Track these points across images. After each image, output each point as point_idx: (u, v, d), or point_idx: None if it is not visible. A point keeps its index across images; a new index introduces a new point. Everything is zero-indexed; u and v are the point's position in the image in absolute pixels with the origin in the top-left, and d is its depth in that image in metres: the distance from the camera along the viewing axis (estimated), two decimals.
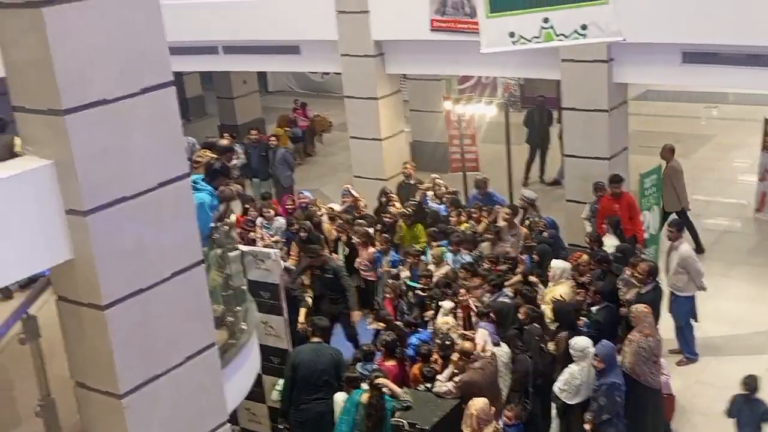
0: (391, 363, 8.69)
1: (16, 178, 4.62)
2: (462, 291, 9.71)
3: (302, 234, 11.40)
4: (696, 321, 10.63)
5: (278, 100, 23.82)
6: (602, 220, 11.43)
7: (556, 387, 8.49)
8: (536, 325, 9.05)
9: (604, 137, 12.58)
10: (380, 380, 7.89)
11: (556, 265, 10.18)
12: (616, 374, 8.19)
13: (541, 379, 8.76)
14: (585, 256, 10.31)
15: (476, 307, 9.35)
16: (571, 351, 8.42)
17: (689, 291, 10.48)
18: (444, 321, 9.05)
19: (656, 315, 9.53)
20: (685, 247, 10.55)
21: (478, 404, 7.57)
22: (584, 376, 8.33)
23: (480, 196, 12.81)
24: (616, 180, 11.70)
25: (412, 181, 13.51)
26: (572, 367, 8.42)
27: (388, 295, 10.39)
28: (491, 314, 9.03)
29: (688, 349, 10.63)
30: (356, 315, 10.48)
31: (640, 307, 8.64)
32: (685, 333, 10.59)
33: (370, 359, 8.78)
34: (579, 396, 8.39)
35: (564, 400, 8.46)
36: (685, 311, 10.49)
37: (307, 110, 20.68)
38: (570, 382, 8.39)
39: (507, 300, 9.59)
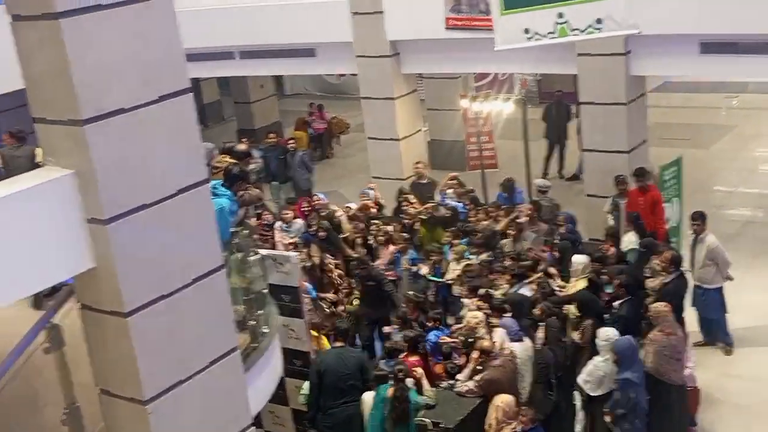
0: (414, 358, 8.70)
1: (38, 188, 4.67)
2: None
3: (321, 234, 11.44)
4: (727, 312, 10.57)
5: (295, 103, 23.88)
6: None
7: (581, 378, 8.50)
8: (555, 317, 9.04)
9: (623, 130, 12.51)
10: (402, 369, 7.93)
11: (578, 260, 10.15)
12: (633, 370, 8.14)
13: (563, 371, 8.74)
14: (613, 249, 10.31)
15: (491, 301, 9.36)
16: (597, 341, 8.42)
17: (718, 282, 10.45)
18: (473, 315, 9.03)
19: (680, 305, 9.48)
20: (712, 237, 10.49)
21: (505, 398, 7.58)
22: (608, 368, 8.29)
23: (506, 195, 12.72)
24: (640, 174, 11.61)
25: (424, 181, 13.46)
26: (596, 359, 8.43)
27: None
28: (506, 306, 9.07)
29: (726, 338, 10.61)
30: (389, 327, 10.37)
31: (660, 306, 8.58)
32: (720, 323, 10.57)
33: (394, 356, 8.77)
34: (602, 388, 8.37)
35: (588, 392, 8.45)
36: (717, 303, 10.45)
37: (324, 113, 20.71)
38: (593, 373, 8.39)
39: (527, 293, 9.62)
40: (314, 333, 9.52)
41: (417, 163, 13.88)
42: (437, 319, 9.68)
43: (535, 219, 11.58)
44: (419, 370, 8.21)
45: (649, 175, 11.72)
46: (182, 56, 5.10)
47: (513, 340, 8.69)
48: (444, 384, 8.51)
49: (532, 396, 8.56)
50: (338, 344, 8.66)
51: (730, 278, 10.50)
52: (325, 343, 9.52)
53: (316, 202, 13.02)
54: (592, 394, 8.45)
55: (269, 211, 12.77)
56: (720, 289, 10.47)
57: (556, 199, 12.66)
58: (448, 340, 9.17)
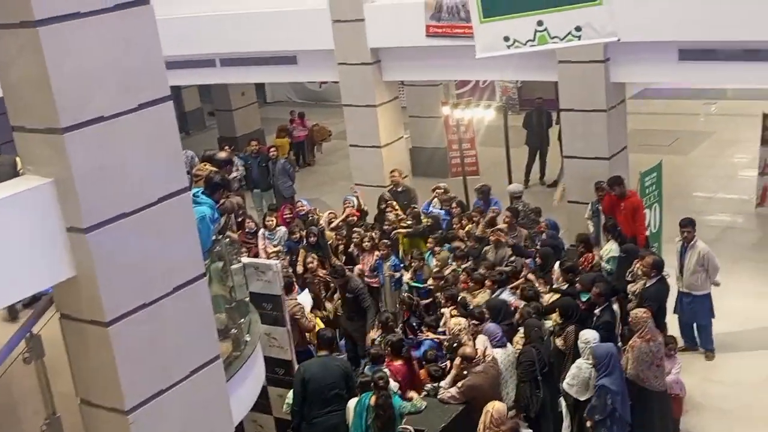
0: (398, 363, 8.71)
1: (17, 197, 4.64)
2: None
3: (311, 239, 11.45)
4: (714, 317, 10.65)
5: (277, 110, 23.86)
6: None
7: (565, 383, 8.50)
8: (534, 316, 9.13)
9: (604, 137, 12.59)
10: (383, 376, 7.93)
11: (559, 267, 10.24)
12: (611, 377, 8.15)
13: (547, 367, 8.77)
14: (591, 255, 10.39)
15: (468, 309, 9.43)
16: (579, 344, 8.47)
17: (707, 289, 10.51)
18: (456, 321, 9.04)
19: (662, 310, 9.53)
20: (702, 243, 10.57)
21: (497, 406, 7.58)
22: (591, 370, 8.32)
23: (482, 203, 12.76)
24: (614, 182, 11.64)
25: (400, 189, 13.42)
26: (580, 361, 8.44)
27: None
28: (485, 312, 9.15)
29: (710, 344, 10.67)
30: (369, 338, 10.34)
31: (640, 312, 8.61)
32: (708, 329, 10.61)
33: (378, 362, 8.78)
34: (589, 391, 8.36)
35: (574, 396, 8.46)
36: (706, 309, 10.51)
37: (304, 120, 20.71)
38: (578, 375, 8.40)
39: (509, 298, 9.71)
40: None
41: (392, 171, 13.81)
42: (432, 326, 9.69)
43: (514, 225, 11.63)
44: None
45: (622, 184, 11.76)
46: (162, 64, 5.09)
47: (496, 345, 8.70)
48: (428, 386, 8.53)
49: (519, 396, 8.60)
50: (322, 353, 8.62)
51: (717, 284, 10.57)
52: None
53: (300, 208, 13.02)
54: (580, 398, 8.44)
55: (251, 219, 12.73)
56: (709, 296, 10.54)
57: (530, 204, 12.71)
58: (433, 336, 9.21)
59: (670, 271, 10.30)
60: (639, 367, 8.39)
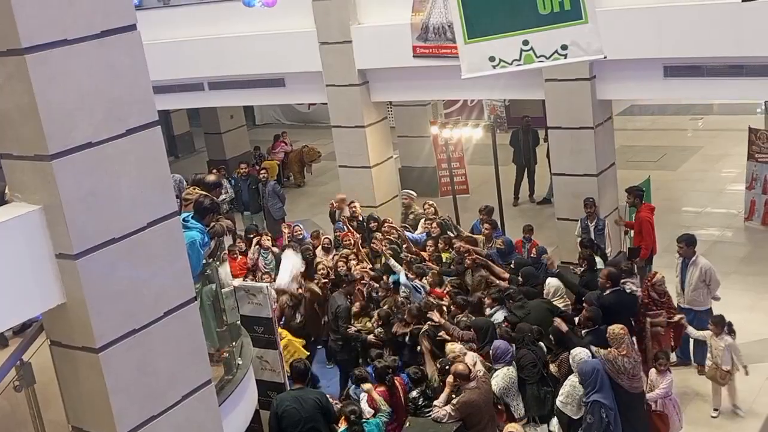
0: (381, 389, 8.72)
1: (5, 225, 4.64)
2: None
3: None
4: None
5: (266, 132, 23.88)
6: None
7: (559, 401, 8.52)
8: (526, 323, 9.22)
9: (591, 154, 12.64)
10: (355, 410, 8.04)
11: (550, 283, 10.30)
12: (602, 392, 8.18)
13: (545, 369, 8.89)
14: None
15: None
16: (570, 362, 8.49)
17: (708, 304, 10.56)
18: (451, 348, 9.03)
19: (621, 321, 9.44)
20: (704, 259, 10.63)
21: (516, 428, 7.63)
22: (583, 395, 8.32)
23: (482, 225, 12.70)
24: (630, 192, 12.06)
25: (360, 218, 13.22)
26: (572, 379, 8.46)
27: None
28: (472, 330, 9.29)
29: (704, 359, 10.52)
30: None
31: (617, 329, 8.59)
32: (701, 345, 10.45)
33: (361, 383, 8.82)
34: (583, 410, 8.38)
35: (569, 414, 8.47)
36: (706, 324, 10.41)
37: (279, 141, 20.75)
38: (572, 394, 8.42)
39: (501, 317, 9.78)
40: None
41: (351, 203, 13.60)
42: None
43: (491, 236, 11.75)
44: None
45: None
46: (149, 89, 5.10)
47: (506, 363, 8.76)
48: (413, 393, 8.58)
49: (530, 398, 8.69)
50: (297, 386, 8.45)
51: (717, 298, 10.62)
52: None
53: (297, 232, 13.01)
54: (574, 417, 8.45)
55: (242, 239, 12.75)
56: (709, 311, 10.54)
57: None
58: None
59: (670, 287, 10.33)
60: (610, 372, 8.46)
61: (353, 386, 8.93)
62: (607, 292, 9.70)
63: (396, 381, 8.90)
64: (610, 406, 8.16)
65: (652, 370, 9.05)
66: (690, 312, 10.54)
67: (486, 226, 12.00)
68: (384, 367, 8.87)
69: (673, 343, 10.20)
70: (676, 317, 9.91)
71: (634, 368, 8.42)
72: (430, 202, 13.20)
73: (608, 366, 8.37)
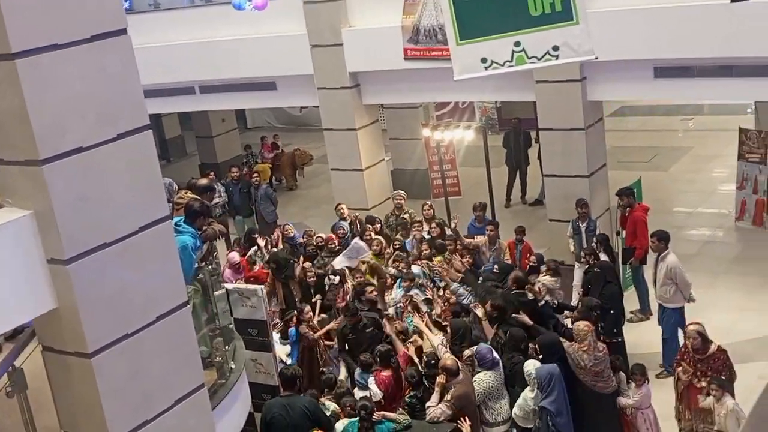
0: (386, 373, 8.81)
1: None
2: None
3: (272, 265, 11.46)
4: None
5: (258, 136, 23.87)
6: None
7: (513, 412, 8.60)
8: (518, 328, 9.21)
9: (583, 155, 12.68)
10: (367, 406, 7.97)
11: (543, 280, 10.52)
12: (550, 398, 8.18)
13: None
14: None
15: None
16: (525, 376, 8.49)
17: (677, 302, 10.49)
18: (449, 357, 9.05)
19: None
20: (672, 257, 10.57)
21: None
22: (537, 401, 8.34)
23: (477, 224, 12.74)
24: (622, 193, 12.03)
25: (347, 222, 13.15)
26: (526, 392, 8.50)
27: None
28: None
29: (668, 363, 10.34)
30: None
31: (581, 325, 8.57)
32: (671, 345, 10.47)
33: (367, 369, 8.92)
34: (529, 421, 8.46)
35: (519, 423, 8.59)
36: (672, 323, 10.49)
37: (266, 144, 20.76)
38: (522, 406, 8.49)
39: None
40: None
41: (338, 204, 13.57)
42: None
43: (495, 238, 11.82)
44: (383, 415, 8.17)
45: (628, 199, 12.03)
46: (140, 93, 5.10)
47: (488, 368, 8.72)
48: (407, 397, 8.60)
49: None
50: (285, 393, 8.35)
51: (692, 300, 10.58)
52: None
53: (287, 231, 13.02)
54: (523, 426, 8.55)
55: (238, 244, 12.82)
56: (679, 310, 10.50)
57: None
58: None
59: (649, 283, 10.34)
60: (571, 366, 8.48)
61: (359, 371, 9.04)
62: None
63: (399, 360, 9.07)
64: (556, 412, 8.15)
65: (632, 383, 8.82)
66: (660, 307, 10.58)
67: (490, 227, 11.93)
68: (387, 350, 8.97)
69: None
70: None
71: (596, 365, 8.40)
72: (429, 203, 13.21)
73: (570, 360, 8.41)
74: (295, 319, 10.40)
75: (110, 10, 4.89)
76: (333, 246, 12.28)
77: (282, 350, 10.24)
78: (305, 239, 12.64)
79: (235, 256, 12.08)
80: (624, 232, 12.25)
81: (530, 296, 9.84)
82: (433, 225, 12.46)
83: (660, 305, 10.63)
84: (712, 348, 8.62)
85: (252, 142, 21.39)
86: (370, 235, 12.24)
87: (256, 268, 12.07)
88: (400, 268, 11.13)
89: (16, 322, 4.95)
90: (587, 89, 12.46)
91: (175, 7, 16.76)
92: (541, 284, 10.45)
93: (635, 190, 12.48)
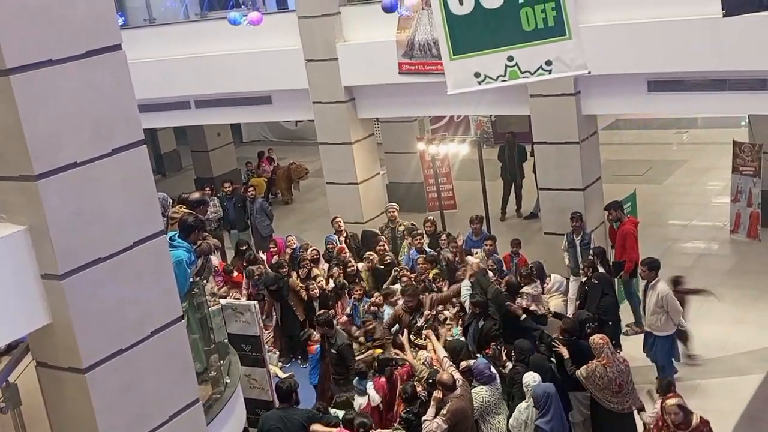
0: (383, 380, 9.00)
1: None
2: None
3: (271, 288, 11.58)
4: (678, 360, 10.59)
5: (253, 150, 23.89)
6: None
7: (510, 423, 8.61)
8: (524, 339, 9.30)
9: (577, 169, 12.71)
10: (365, 422, 8.02)
11: (556, 278, 10.73)
12: (545, 418, 8.19)
13: None
14: None
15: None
16: (524, 387, 8.52)
17: (668, 330, 10.38)
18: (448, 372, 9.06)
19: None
20: (662, 285, 10.44)
21: None
22: (529, 414, 8.35)
23: (474, 237, 12.75)
24: (611, 207, 12.10)
25: (342, 236, 13.21)
26: (520, 404, 8.52)
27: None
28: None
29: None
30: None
31: (597, 338, 8.64)
32: (668, 372, 10.34)
33: (363, 377, 9.12)
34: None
35: None
36: (665, 351, 10.40)
37: (263, 159, 20.77)
38: (517, 418, 8.49)
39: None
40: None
41: (334, 218, 13.64)
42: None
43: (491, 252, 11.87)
44: None
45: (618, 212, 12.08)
46: (135, 108, 5.11)
47: (484, 382, 8.73)
48: (403, 413, 8.55)
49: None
50: (282, 405, 8.40)
51: (682, 327, 10.51)
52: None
53: (290, 243, 13.09)
54: None
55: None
56: (670, 338, 10.42)
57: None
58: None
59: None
60: (591, 387, 8.52)
61: (357, 378, 9.18)
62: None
63: (396, 373, 9.17)
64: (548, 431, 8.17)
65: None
66: (651, 336, 10.48)
67: (488, 242, 11.96)
68: (386, 359, 9.14)
69: None
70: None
71: (619, 377, 8.42)
72: (431, 218, 13.24)
73: (591, 382, 8.39)
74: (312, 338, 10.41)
75: (105, 25, 4.91)
76: (343, 256, 12.27)
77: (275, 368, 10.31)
78: (301, 252, 12.66)
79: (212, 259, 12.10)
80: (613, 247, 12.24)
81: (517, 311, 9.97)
82: (443, 237, 12.43)
83: (648, 333, 10.54)
84: (695, 421, 7.92)
85: (248, 156, 21.40)
86: (384, 246, 12.46)
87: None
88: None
89: (10, 338, 4.94)
90: (581, 103, 12.51)
91: (170, 22, 16.81)
92: (525, 295, 10.44)
93: (630, 204, 12.52)
